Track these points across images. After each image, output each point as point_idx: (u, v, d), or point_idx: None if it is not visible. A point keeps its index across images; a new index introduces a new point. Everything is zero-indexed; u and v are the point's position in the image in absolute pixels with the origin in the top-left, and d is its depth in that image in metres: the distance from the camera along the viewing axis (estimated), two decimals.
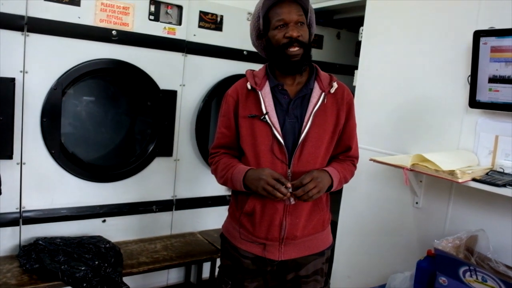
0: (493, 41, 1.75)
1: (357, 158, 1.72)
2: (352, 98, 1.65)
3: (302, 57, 1.52)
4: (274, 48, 1.54)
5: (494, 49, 1.76)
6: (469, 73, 1.86)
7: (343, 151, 1.66)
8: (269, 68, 1.62)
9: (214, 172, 1.67)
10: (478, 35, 1.80)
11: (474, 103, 1.85)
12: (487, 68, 1.79)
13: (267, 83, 1.58)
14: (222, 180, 1.62)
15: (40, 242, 2.30)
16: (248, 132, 1.56)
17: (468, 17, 1.93)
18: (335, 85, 1.59)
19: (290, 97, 1.57)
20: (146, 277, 2.78)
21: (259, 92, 1.55)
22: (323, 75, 1.62)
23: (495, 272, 1.62)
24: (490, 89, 1.79)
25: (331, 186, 1.53)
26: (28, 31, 2.23)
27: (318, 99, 1.56)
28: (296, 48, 1.50)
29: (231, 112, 1.61)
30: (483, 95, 1.82)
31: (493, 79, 1.77)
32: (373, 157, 2.04)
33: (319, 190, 1.47)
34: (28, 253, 2.26)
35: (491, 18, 1.84)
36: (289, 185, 1.44)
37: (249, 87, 1.58)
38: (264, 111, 1.53)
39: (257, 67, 1.66)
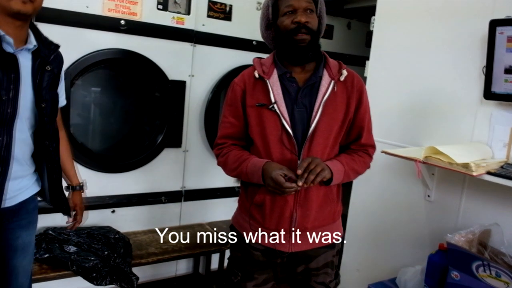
0: (509, 31, 1.71)
1: (372, 146, 1.66)
2: (363, 85, 1.61)
3: (309, 43, 1.49)
4: (282, 35, 1.51)
5: (510, 39, 1.71)
6: (484, 64, 1.82)
7: (355, 140, 1.62)
8: (276, 55, 1.59)
9: (222, 164, 1.65)
10: (494, 24, 1.75)
11: (489, 94, 1.81)
12: (503, 59, 1.74)
13: (275, 71, 1.55)
14: (235, 173, 1.59)
15: (50, 232, 2.32)
16: (256, 122, 1.54)
17: (484, 6, 1.88)
18: (344, 72, 1.56)
19: (298, 85, 1.54)
20: (155, 267, 2.79)
21: (267, 81, 1.53)
22: (332, 62, 1.59)
23: (509, 267, 1.60)
24: (506, 80, 1.75)
25: (331, 179, 1.49)
26: (36, 20, 2.22)
27: (328, 87, 1.53)
28: (304, 35, 1.48)
29: (239, 101, 1.58)
30: (498, 86, 1.78)
31: (509, 70, 1.73)
32: (385, 149, 2.01)
33: (322, 167, 1.42)
34: (39, 242, 2.27)
35: (507, 7, 1.79)
36: (293, 185, 1.42)
37: (256, 75, 1.55)
38: (273, 100, 1.51)
39: (267, 56, 1.64)
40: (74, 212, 1.83)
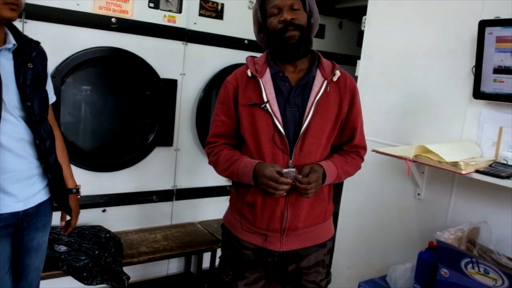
0: (498, 31, 1.73)
1: (363, 148, 1.68)
2: (355, 86, 1.62)
3: (299, 39, 1.49)
4: (272, 35, 1.51)
5: (499, 39, 1.73)
6: (474, 64, 1.84)
7: (347, 141, 1.64)
8: (269, 55, 1.59)
9: (213, 163, 1.64)
10: (483, 25, 1.77)
11: (478, 94, 1.83)
12: (492, 59, 1.76)
13: (267, 70, 1.55)
14: (226, 173, 1.59)
15: None
16: (248, 121, 1.54)
17: (473, 6, 1.90)
18: (337, 73, 1.56)
19: (291, 84, 1.54)
20: (146, 267, 2.78)
21: (260, 80, 1.53)
22: (326, 62, 1.59)
23: (497, 264, 1.62)
24: (494, 80, 1.77)
25: (322, 181, 1.51)
26: (26, 18, 2.20)
27: (320, 87, 1.53)
28: (293, 31, 1.47)
29: (231, 99, 1.58)
30: (487, 86, 1.80)
31: (498, 70, 1.75)
32: (376, 148, 2.02)
33: (316, 190, 1.48)
34: None
35: (496, 8, 1.81)
36: (289, 181, 1.44)
37: (249, 74, 1.55)
38: (265, 99, 1.51)
39: (258, 56, 1.64)
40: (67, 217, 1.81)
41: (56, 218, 1.79)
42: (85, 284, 2.18)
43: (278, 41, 1.50)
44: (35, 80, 1.53)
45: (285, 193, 1.46)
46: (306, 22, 1.52)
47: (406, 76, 2.20)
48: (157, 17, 2.60)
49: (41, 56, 1.61)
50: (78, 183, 1.84)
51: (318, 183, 1.47)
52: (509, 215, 1.78)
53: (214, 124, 1.64)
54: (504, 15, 1.74)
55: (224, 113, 1.60)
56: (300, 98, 1.54)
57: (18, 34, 1.53)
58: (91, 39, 2.42)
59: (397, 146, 2.12)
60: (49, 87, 1.68)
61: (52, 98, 1.71)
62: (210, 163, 1.67)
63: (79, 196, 1.83)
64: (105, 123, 2.92)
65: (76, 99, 2.74)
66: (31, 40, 1.57)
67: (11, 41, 1.48)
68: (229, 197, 1.75)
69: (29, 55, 1.52)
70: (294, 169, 1.46)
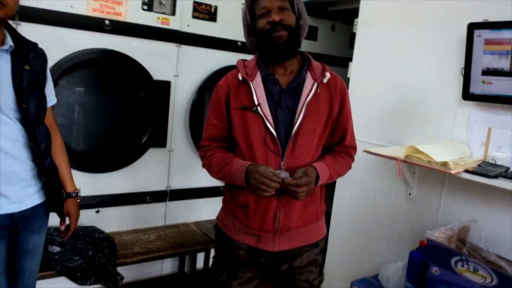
0: (487, 34, 1.76)
1: (354, 148, 1.70)
2: (345, 87, 1.64)
3: (287, 39, 1.51)
4: (260, 36, 1.53)
5: (488, 42, 1.76)
6: (463, 65, 1.87)
7: (338, 142, 1.65)
8: (260, 57, 1.61)
9: (207, 166, 1.65)
10: (472, 27, 1.80)
11: (467, 95, 1.86)
12: (480, 61, 1.79)
13: (258, 74, 1.57)
14: (219, 176, 1.60)
15: None
16: (240, 124, 1.55)
17: (463, 9, 1.93)
18: (327, 74, 1.58)
19: (282, 87, 1.56)
20: (140, 267, 2.79)
21: (251, 83, 1.54)
22: (316, 64, 1.60)
23: (486, 261, 1.64)
24: (483, 82, 1.80)
25: (315, 181, 1.53)
26: (20, 20, 2.20)
27: (311, 89, 1.54)
28: (281, 31, 1.49)
29: (223, 103, 1.59)
30: (476, 88, 1.83)
31: (487, 72, 1.78)
32: (367, 148, 2.05)
33: (308, 192, 1.49)
34: None
35: (485, 11, 1.84)
36: (279, 181, 1.45)
37: (240, 78, 1.56)
38: (256, 102, 1.52)
39: (251, 58, 1.65)
40: (67, 221, 1.79)
41: (53, 221, 1.79)
42: (79, 284, 2.19)
43: (266, 41, 1.51)
44: (32, 82, 1.53)
45: (273, 192, 1.47)
46: (295, 23, 1.54)
47: (397, 78, 2.23)
48: (150, 19, 2.61)
49: (40, 58, 1.60)
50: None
51: (309, 187, 1.48)
52: (498, 213, 1.81)
53: (206, 128, 1.65)
54: (492, 18, 1.78)
55: (216, 117, 1.62)
56: (291, 100, 1.55)
57: (16, 36, 1.52)
58: (85, 41, 2.42)
59: (388, 147, 2.15)
60: (49, 89, 1.67)
61: (52, 100, 1.71)
62: (203, 166, 1.68)
63: (78, 200, 1.82)
64: (99, 125, 2.92)
65: (69, 100, 2.73)
66: (28, 41, 1.57)
67: (8, 42, 1.48)
68: (222, 197, 1.76)
69: (26, 56, 1.52)
70: (287, 173, 1.46)
